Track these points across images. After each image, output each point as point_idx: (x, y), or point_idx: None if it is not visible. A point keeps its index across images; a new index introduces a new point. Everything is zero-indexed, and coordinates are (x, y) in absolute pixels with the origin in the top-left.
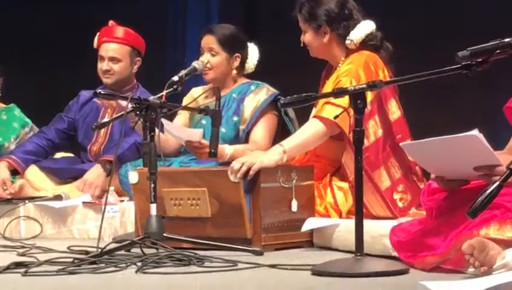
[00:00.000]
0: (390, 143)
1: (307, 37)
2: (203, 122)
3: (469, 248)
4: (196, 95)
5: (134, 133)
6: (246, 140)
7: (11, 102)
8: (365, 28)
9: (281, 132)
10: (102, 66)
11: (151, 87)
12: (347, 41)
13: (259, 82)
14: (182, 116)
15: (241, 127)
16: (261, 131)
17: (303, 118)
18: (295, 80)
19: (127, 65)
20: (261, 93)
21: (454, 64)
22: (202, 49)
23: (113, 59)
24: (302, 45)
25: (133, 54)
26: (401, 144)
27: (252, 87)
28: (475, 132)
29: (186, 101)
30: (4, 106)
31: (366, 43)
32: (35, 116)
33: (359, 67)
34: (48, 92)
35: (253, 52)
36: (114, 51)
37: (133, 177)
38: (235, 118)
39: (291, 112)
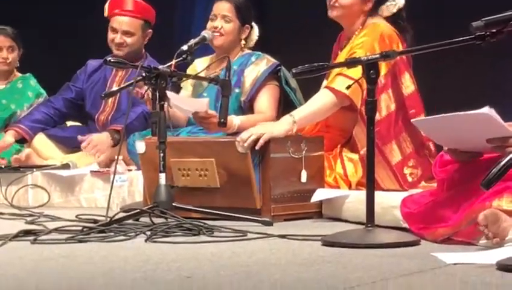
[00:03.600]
0: (402, 118)
1: None
2: (205, 94)
3: (484, 219)
4: (200, 66)
5: (142, 103)
6: (248, 110)
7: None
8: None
9: (284, 103)
10: (115, 38)
11: (159, 57)
12: (389, 4)
13: (259, 53)
14: (185, 92)
15: (242, 99)
16: (266, 101)
17: (305, 88)
18: (302, 54)
19: (139, 38)
20: (261, 64)
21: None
22: (215, 15)
23: (126, 33)
24: (332, 2)
25: (145, 27)
26: (412, 120)
27: (253, 58)
28: (486, 110)
29: (190, 72)
30: (21, 74)
31: (395, 15)
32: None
33: (375, 40)
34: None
35: (255, 29)
36: (127, 24)
37: (140, 147)
38: (237, 90)
39: (293, 81)
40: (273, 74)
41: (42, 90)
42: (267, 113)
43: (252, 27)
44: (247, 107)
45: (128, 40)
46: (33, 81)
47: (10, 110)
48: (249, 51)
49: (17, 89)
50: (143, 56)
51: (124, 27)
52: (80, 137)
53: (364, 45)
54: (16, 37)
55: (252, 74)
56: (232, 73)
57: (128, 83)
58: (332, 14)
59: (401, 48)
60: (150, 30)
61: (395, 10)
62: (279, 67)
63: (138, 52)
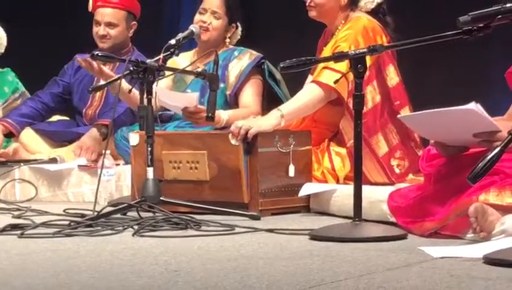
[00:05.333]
0: (388, 109)
1: None
2: (188, 90)
3: (474, 211)
4: (181, 61)
5: None
6: (233, 104)
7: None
8: None
9: (268, 95)
10: (98, 30)
11: (147, 51)
12: (367, 1)
13: (242, 48)
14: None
15: (227, 93)
16: (250, 95)
17: (291, 80)
18: (286, 49)
19: (123, 29)
20: (244, 58)
21: (455, 29)
22: (204, 9)
23: (109, 24)
24: (308, 3)
25: (129, 18)
26: (398, 116)
27: (236, 53)
28: (472, 105)
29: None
30: None
31: (375, 10)
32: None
33: (358, 33)
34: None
35: (239, 28)
36: (110, 15)
37: (134, 139)
38: (222, 85)
39: (277, 74)
40: (256, 68)
41: (20, 85)
42: (252, 107)
43: (237, 27)
44: (232, 101)
45: (112, 31)
46: (11, 76)
47: None
48: (232, 46)
49: None
50: (130, 49)
51: (107, 18)
52: (72, 151)
53: (348, 38)
54: None
55: (235, 68)
56: None
57: (116, 77)
58: (311, 14)
59: (384, 40)
60: (135, 22)
61: (373, 6)
62: (263, 61)
63: (123, 45)
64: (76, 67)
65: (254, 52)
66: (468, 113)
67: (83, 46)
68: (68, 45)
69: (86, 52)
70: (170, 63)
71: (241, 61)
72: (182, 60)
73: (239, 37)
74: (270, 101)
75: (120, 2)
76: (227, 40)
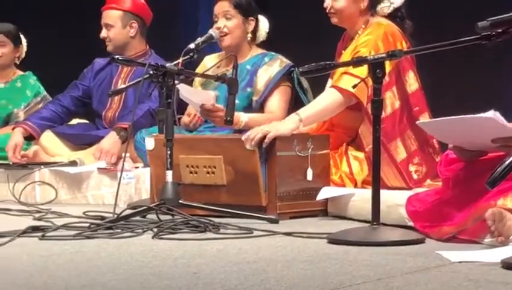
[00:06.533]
0: (407, 115)
1: (341, 2)
2: (217, 92)
3: (492, 214)
4: (209, 63)
5: (148, 100)
6: (259, 110)
7: (32, 69)
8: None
9: (294, 104)
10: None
11: (164, 54)
12: (384, 5)
13: (273, 53)
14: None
15: (255, 98)
16: (276, 102)
17: (317, 88)
18: (308, 52)
19: (120, 30)
20: (274, 65)
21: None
22: (216, 16)
23: (107, 26)
24: (328, 10)
25: (125, 18)
26: (417, 122)
27: (266, 59)
28: (491, 114)
29: (200, 70)
30: (21, 73)
31: (393, 14)
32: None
33: (378, 38)
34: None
35: (263, 22)
36: (106, 17)
37: (150, 143)
38: (249, 89)
39: (305, 82)
40: (286, 75)
41: (41, 89)
42: (276, 113)
43: (257, 19)
44: (259, 107)
45: (109, 33)
46: (32, 80)
47: (8, 110)
48: (263, 51)
49: (17, 88)
50: (147, 52)
51: (104, 20)
52: (92, 154)
53: (368, 43)
54: (11, 33)
55: (264, 74)
56: (246, 72)
57: (136, 80)
58: (333, 21)
59: (404, 46)
60: (134, 21)
61: (389, 11)
62: (293, 69)
63: (130, 46)
64: (96, 71)
65: (284, 60)
66: (487, 121)
67: (103, 50)
68: (88, 49)
69: (106, 56)
70: (201, 65)
71: (270, 68)
72: (210, 62)
73: (265, 31)
74: (296, 109)
75: (113, 2)
76: (249, 36)
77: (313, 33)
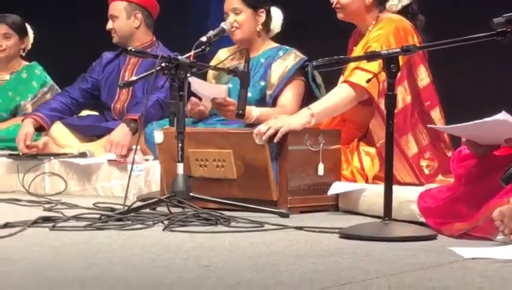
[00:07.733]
0: (418, 110)
1: None
2: (230, 85)
3: (499, 214)
4: (223, 56)
5: (157, 91)
6: (272, 104)
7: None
8: None
9: (307, 99)
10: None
11: (173, 47)
12: (392, 3)
13: (287, 47)
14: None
15: (268, 92)
16: (289, 96)
17: (329, 84)
18: (319, 49)
19: (124, 20)
20: (288, 59)
21: (489, 31)
22: (226, 13)
23: (112, 17)
24: (334, 5)
25: (129, 8)
26: (429, 125)
27: (280, 53)
28: (502, 115)
29: (214, 63)
30: (26, 63)
31: (404, 10)
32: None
33: (389, 33)
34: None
35: (276, 13)
36: (112, 8)
37: (159, 137)
38: (262, 83)
39: (318, 77)
40: (300, 70)
41: (48, 79)
42: (287, 107)
43: (268, 11)
44: (272, 102)
45: (114, 24)
46: (38, 70)
47: (16, 102)
48: (277, 45)
49: (22, 79)
50: (153, 43)
51: (110, 12)
52: (103, 147)
53: (379, 38)
54: (16, 25)
55: (279, 68)
56: (259, 65)
57: (148, 72)
58: (339, 16)
59: (416, 41)
60: (138, 12)
61: (398, 8)
62: (307, 63)
63: (135, 37)
64: (104, 64)
65: (299, 54)
66: (499, 123)
67: (111, 43)
68: (97, 42)
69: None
70: (215, 58)
71: (285, 61)
72: (223, 55)
73: (280, 22)
74: (309, 103)
75: None
76: (259, 27)
77: (324, 30)
